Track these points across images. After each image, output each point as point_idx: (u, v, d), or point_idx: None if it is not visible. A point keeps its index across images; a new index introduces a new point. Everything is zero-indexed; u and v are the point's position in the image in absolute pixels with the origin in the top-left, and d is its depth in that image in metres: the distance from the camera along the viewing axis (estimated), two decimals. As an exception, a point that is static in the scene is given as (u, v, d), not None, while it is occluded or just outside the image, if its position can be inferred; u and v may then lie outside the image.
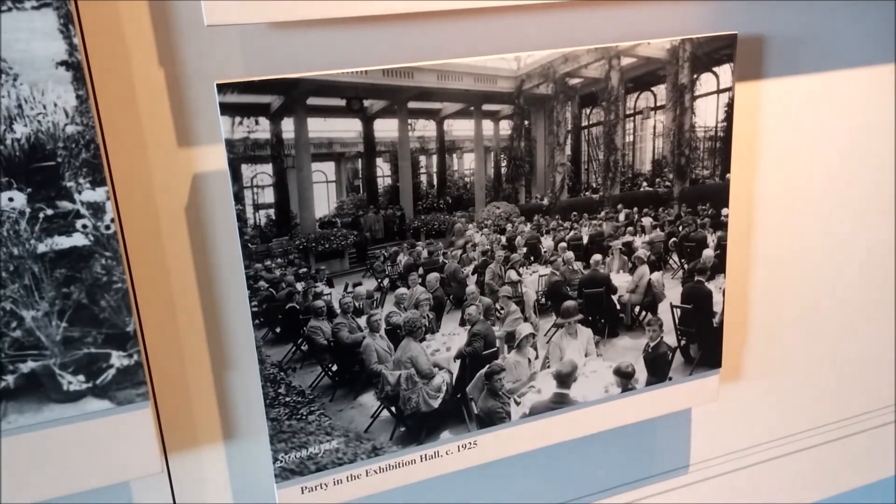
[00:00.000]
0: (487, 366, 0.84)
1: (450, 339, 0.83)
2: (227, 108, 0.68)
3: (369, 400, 0.81)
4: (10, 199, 0.64)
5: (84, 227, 0.67)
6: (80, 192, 0.66)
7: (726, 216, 0.90)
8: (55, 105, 0.63)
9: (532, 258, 0.84)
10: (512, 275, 0.83)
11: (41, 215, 0.65)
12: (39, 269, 0.67)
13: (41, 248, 0.66)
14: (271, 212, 0.73)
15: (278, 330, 0.76)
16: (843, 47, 0.96)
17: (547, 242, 0.84)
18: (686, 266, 0.90)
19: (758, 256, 1.01)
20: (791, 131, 0.97)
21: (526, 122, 0.79)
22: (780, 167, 0.98)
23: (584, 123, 0.82)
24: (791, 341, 1.07)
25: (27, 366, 0.68)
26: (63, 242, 0.67)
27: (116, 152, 0.70)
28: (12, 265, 0.66)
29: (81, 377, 0.70)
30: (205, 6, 0.64)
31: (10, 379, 0.68)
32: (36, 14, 0.61)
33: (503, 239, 0.82)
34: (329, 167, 0.74)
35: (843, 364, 1.12)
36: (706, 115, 0.86)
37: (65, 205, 0.66)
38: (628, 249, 0.88)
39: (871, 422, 1.17)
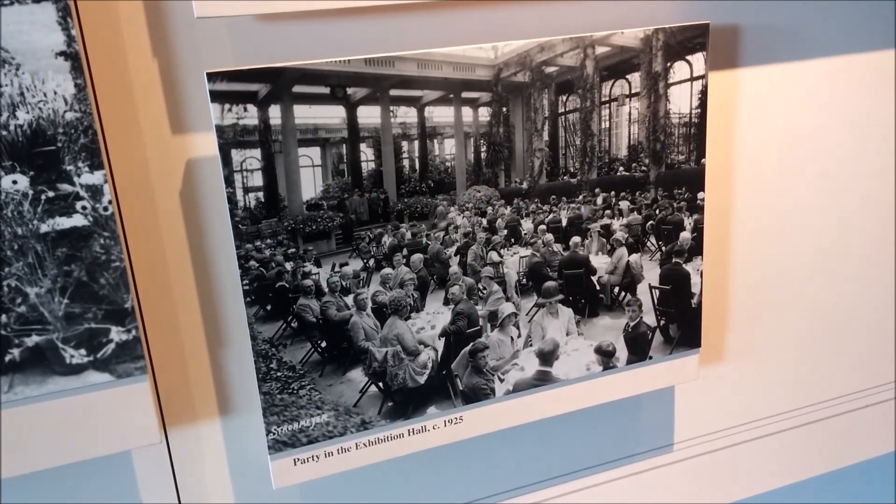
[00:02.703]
0: (471, 344, 0.86)
1: (434, 317, 0.85)
2: (216, 96, 0.70)
3: (357, 375, 0.83)
4: (14, 182, 0.67)
5: (83, 208, 0.69)
6: (79, 176, 0.68)
7: (702, 200, 0.92)
8: (55, 93, 0.66)
9: (513, 240, 0.86)
10: (493, 256, 0.85)
11: (43, 197, 0.68)
12: (42, 248, 0.69)
13: (43, 228, 0.69)
14: (260, 194, 0.74)
15: (269, 308, 0.78)
16: (818, 37, 0.97)
17: (527, 225, 0.86)
18: (663, 248, 0.92)
19: (736, 239, 1.02)
20: (767, 117, 0.98)
21: (504, 109, 0.81)
22: (756, 151, 0.99)
23: (561, 110, 0.83)
24: (773, 322, 1.08)
25: (32, 340, 0.71)
26: (64, 223, 0.69)
27: (113, 138, 0.73)
28: (17, 244, 0.68)
29: (83, 351, 0.72)
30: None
31: (15, 352, 0.71)
32: (36, 7, 0.64)
33: (484, 221, 0.84)
34: (315, 152, 0.76)
35: (827, 344, 1.13)
36: (680, 101, 0.87)
37: (65, 187, 0.68)
38: (606, 232, 0.89)
39: (855, 403, 1.18)
